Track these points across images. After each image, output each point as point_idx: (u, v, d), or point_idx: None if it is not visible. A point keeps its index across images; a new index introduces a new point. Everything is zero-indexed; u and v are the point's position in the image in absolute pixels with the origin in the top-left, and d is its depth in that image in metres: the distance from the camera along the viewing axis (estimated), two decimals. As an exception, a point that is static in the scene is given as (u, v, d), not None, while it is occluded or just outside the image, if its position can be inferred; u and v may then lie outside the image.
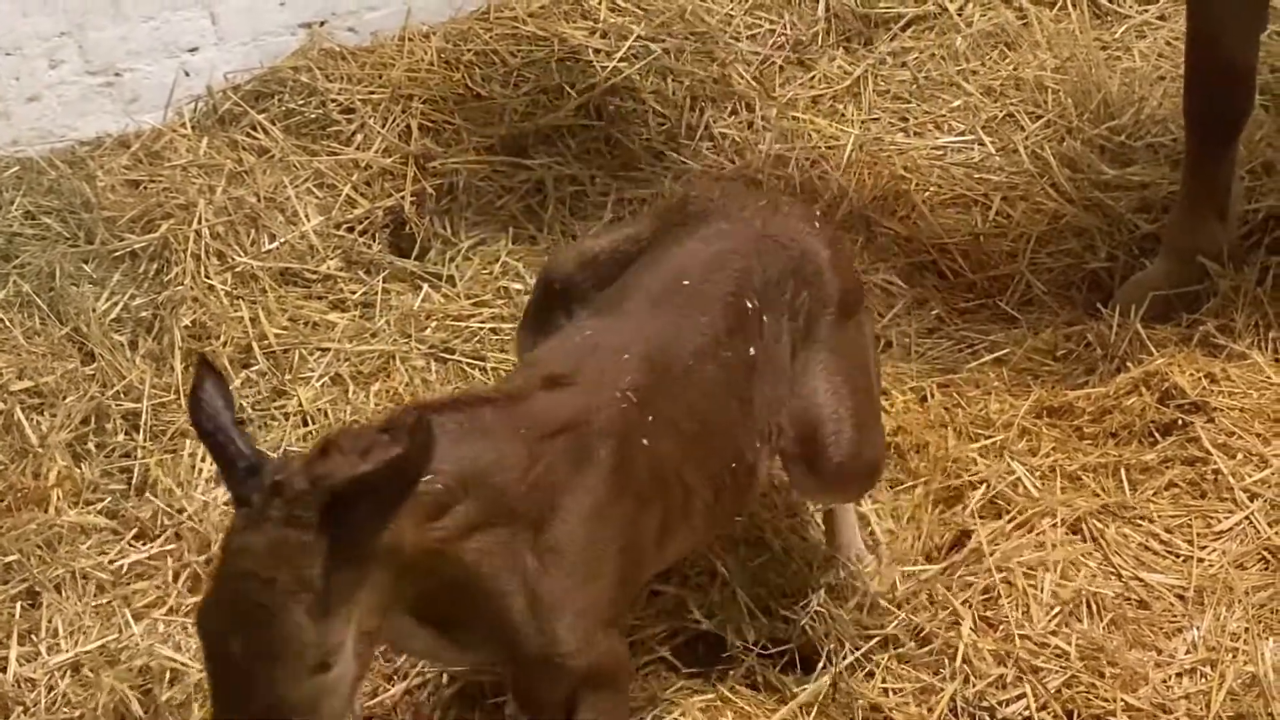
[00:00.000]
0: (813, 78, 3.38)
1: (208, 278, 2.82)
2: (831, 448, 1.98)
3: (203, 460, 2.46)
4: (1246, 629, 2.06)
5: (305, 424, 2.53)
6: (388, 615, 1.54)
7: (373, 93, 3.14)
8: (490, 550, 1.61)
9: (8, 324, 2.70)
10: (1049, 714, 1.96)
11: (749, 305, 1.93)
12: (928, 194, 3.04)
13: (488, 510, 1.59)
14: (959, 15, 3.42)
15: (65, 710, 2.01)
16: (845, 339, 2.06)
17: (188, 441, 2.47)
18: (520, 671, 1.77)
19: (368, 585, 1.47)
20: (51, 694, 1.99)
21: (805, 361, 2.00)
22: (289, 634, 1.41)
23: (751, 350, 1.94)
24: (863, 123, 3.24)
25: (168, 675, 2.00)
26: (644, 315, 1.93)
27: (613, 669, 1.79)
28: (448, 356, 2.66)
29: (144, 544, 2.33)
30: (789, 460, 2.04)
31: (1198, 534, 2.26)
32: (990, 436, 2.43)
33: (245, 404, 2.57)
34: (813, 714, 2.01)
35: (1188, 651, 2.06)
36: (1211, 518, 2.29)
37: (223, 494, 2.40)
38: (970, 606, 2.08)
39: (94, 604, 2.20)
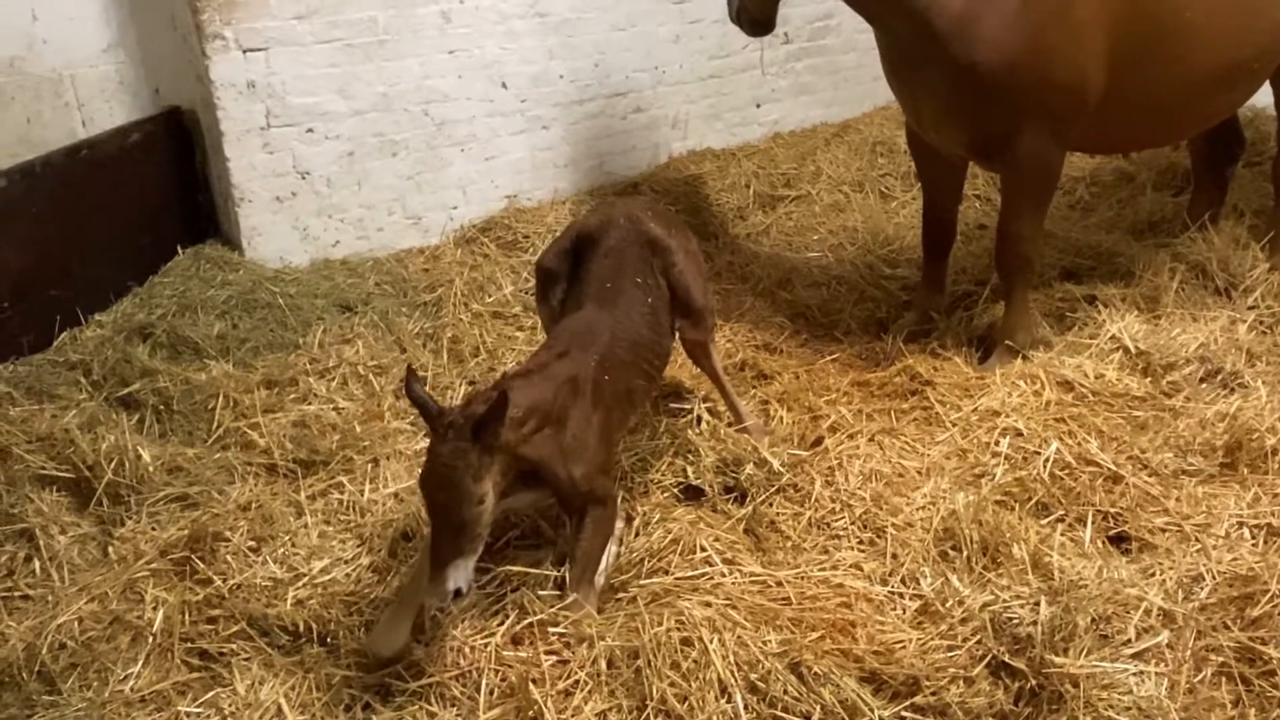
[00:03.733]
0: (748, 223, 5.01)
1: (460, 315, 4.22)
2: (695, 299, 3.17)
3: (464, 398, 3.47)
4: (948, 488, 3.14)
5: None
6: (505, 478, 2.48)
7: (537, 230, 4.71)
8: (543, 442, 2.59)
9: (367, 335, 3.99)
10: (857, 527, 3.03)
11: (639, 280, 3.02)
12: (805, 281, 4.51)
13: (540, 423, 2.57)
14: (816, 197, 5.16)
15: (392, 514, 3.12)
16: (689, 248, 3.23)
17: (448, 392, 3.66)
18: (560, 495, 2.69)
19: (495, 463, 2.42)
20: (385, 507, 3.17)
21: (678, 281, 3.14)
22: (464, 489, 2.35)
23: (650, 299, 3.02)
24: (773, 244, 4.83)
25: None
26: (595, 311, 2.93)
27: (605, 493, 2.73)
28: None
29: (426, 439, 3.23)
30: (679, 320, 3.15)
31: (925, 443, 3.39)
32: (830, 395, 3.68)
33: (475, 375, 3.79)
34: (743, 525, 3.04)
35: (922, 499, 3.11)
36: (931, 435, 3.44)
37: None
38: (820, 474, 3.18)
39: (405, 466, 3.30)
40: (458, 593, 2.39)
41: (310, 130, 4.59)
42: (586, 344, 2.86)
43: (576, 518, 2.72)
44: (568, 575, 2.72)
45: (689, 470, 3.24)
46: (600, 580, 2.79)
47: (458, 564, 2.38)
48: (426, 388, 3.61)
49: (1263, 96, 4.49)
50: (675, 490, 3.24)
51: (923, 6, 3.38)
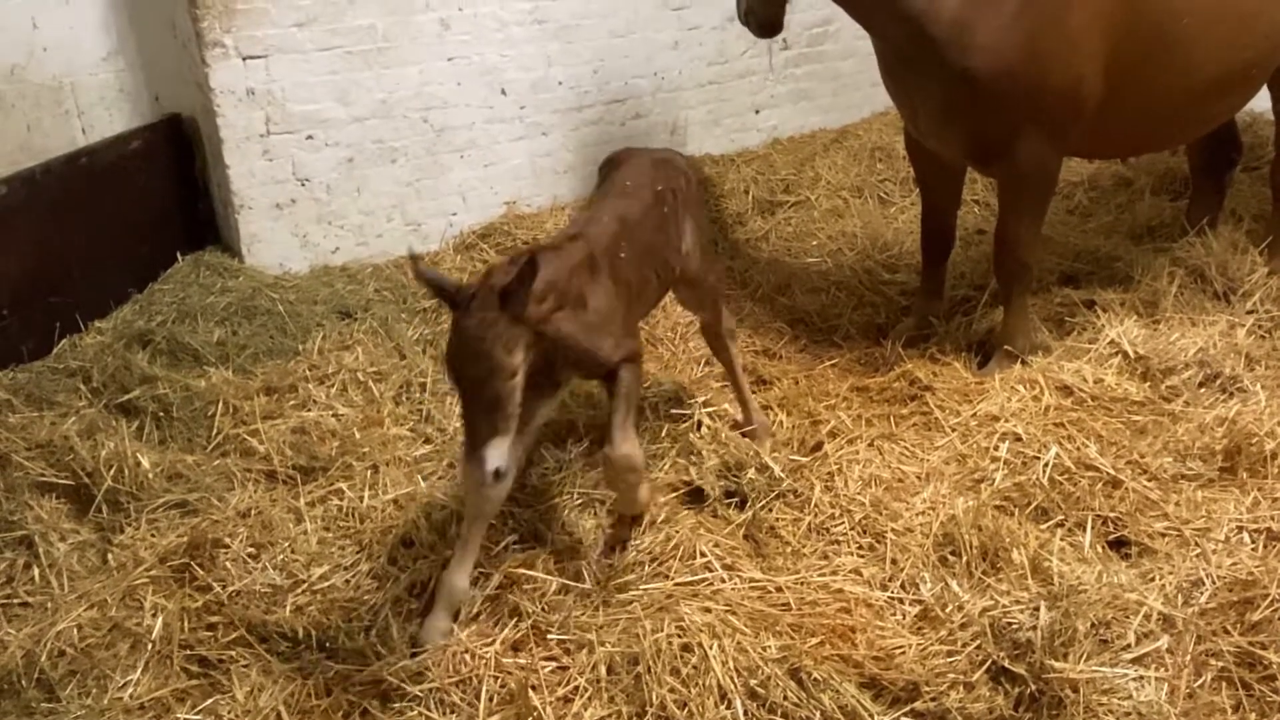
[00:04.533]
0: (747, 228, 5.01)
1: None
2: (692, 264, 3.13)
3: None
4: (947, 493, 3.14)
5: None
6: (527, 362, 2.38)
7: (536, 236, 4.66)
8: (565, 320, 2.53)
9: (366, 341, 3.98)
10: (856, 532, 3.03)
11: (659, 189, 3.04)
12: (804, 287, 4.52)
13: (558, 301, 2.51)
14: (815, 202, 5.13)
15: (391, 520, 3.09)
16: (700, 216, 3.26)
17: (448, 400, 3.60)
18: (590, 370, 2.70)
19: (523, 337, 2.33)
20: (384, 513, 3.15)
21: (685, 222, 3.13)
22: (496, 361, 2.26)
23: (665, 209, 3.03)
24: (772, 249, 4.81)
25: (442, 509, 3.06)
26: (613, 201, 2.93)
27: (632, 352, 2.74)
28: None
29: (426, 445, 3.45)
30: (684, 273, 3.11)
31: (925, 448, 3.39)
32: (829, 401, 3.70)
33: None
34: (742, 530, 3.03)
35: (922, 504, 3.10)
36: (931, 440, 3.44)
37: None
38: (819, 480, 3.19)
39: (404, 472, 3.29)
40: (498, 473, 2.32)
41: (310, 137, 4.59)
42: (601, 224, 2.84)
43: (607, 377, 2.74)
44: (612, 415, 2.70)
45: (692, 470, 3.24)
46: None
47: (494, 443, 2.29)
48: (425, 393, 3.67)
49: (1261, 101, 4.50)
50: (680, 492, 3.24)
51: (917, 13, 3.39)
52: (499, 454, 2.31)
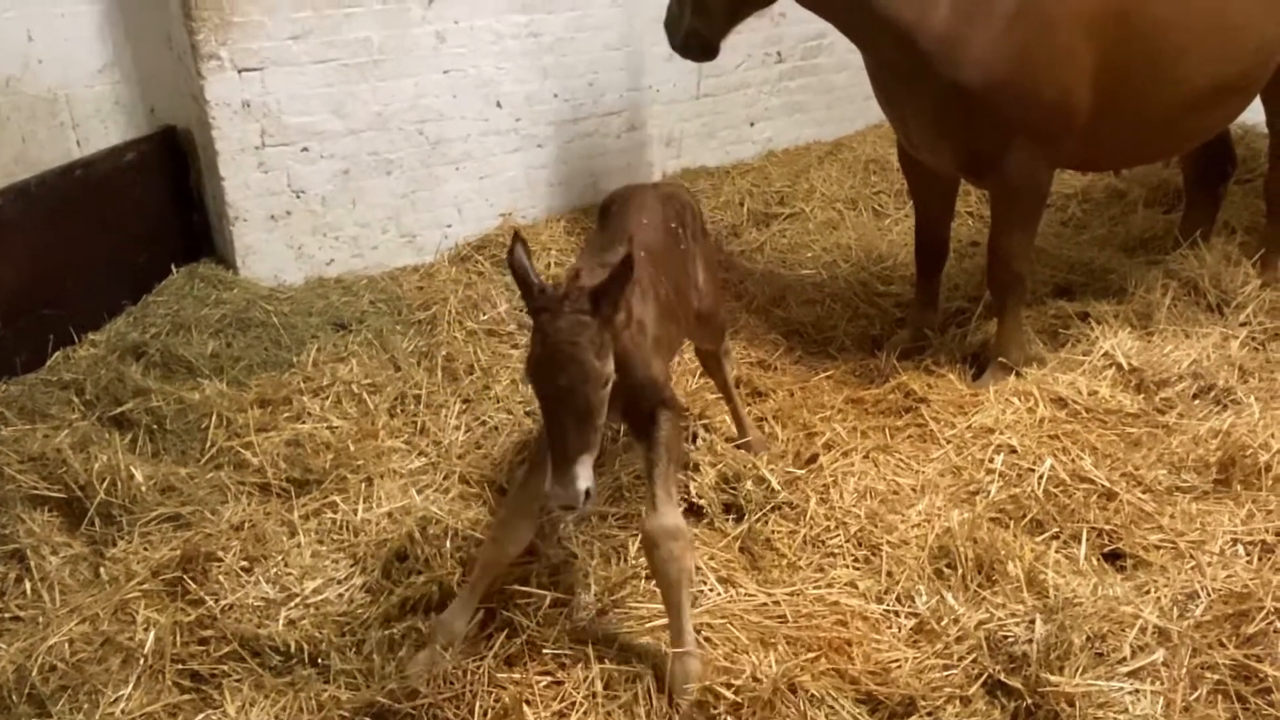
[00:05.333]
0: (742, 240, 5.03)
1: (454, 333, 4.19)
2: (706, 301, 3.04)
3: (458, 416, 3.61)
4: (943, 505, 3.14)
5: (498, 401, 3.75)
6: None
7: (532, 247, 4.66)
8: (631, 339, 2.38)
9: (361, 353, 3.98)
10: (852, 544, 3.03)
11: (674, 225, 2.92)
12: (799, 298, 4.54)
13: (627, 314, 2.36)
14: (810, 214, 5.16)
15: (386, 534, 3.08)
16: (708, 249, 3.13)
17: (443, 413, 3.63)
18: (632, 396, 2.39)
19: (612, 344, 2.17)
20: (378, 527, 3.13)
21: (695, 257, 3.01)
22: (590, 367, 2.08)
23: (681, 246, 2.91)
24: (767, 261, 4.85)
25: (438, 523, 3.02)
26: (637, 235, 2.63)
27: (673, 399, 2.52)
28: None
29: (420, 458, 3.44)
30: (699, 310, 2.95)
31: (920, 460, 3.40)
32: (824, 413, 3.69)
33: (470, 393, 3.78)
34: (738, 543, 3.04)
35: (917, 516, 3.11)
36: (926, 452, 3.44)
37: (464, 434, 3.53)
38: (815, 492, 3.19)
39: (399, 485, 3.29)
40: (588, 494, 2.10)
41: (305, 149, 4.59)
42: (640, 255, 2.60)
43: (646, 422, 2.46)
44: (652, 473, 2.43)
45: (690, 486, 3.23)
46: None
47: (585, 460, 2.09)
48: (420, 405, 3.65)
49: (1255, 114, 4.52)
50: (680, 509, 3.20)
51: (906, 28, 3.41)
52: (589, 472, 2.11)
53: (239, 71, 4.34)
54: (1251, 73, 3.86)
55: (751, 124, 6.16)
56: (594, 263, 2.28)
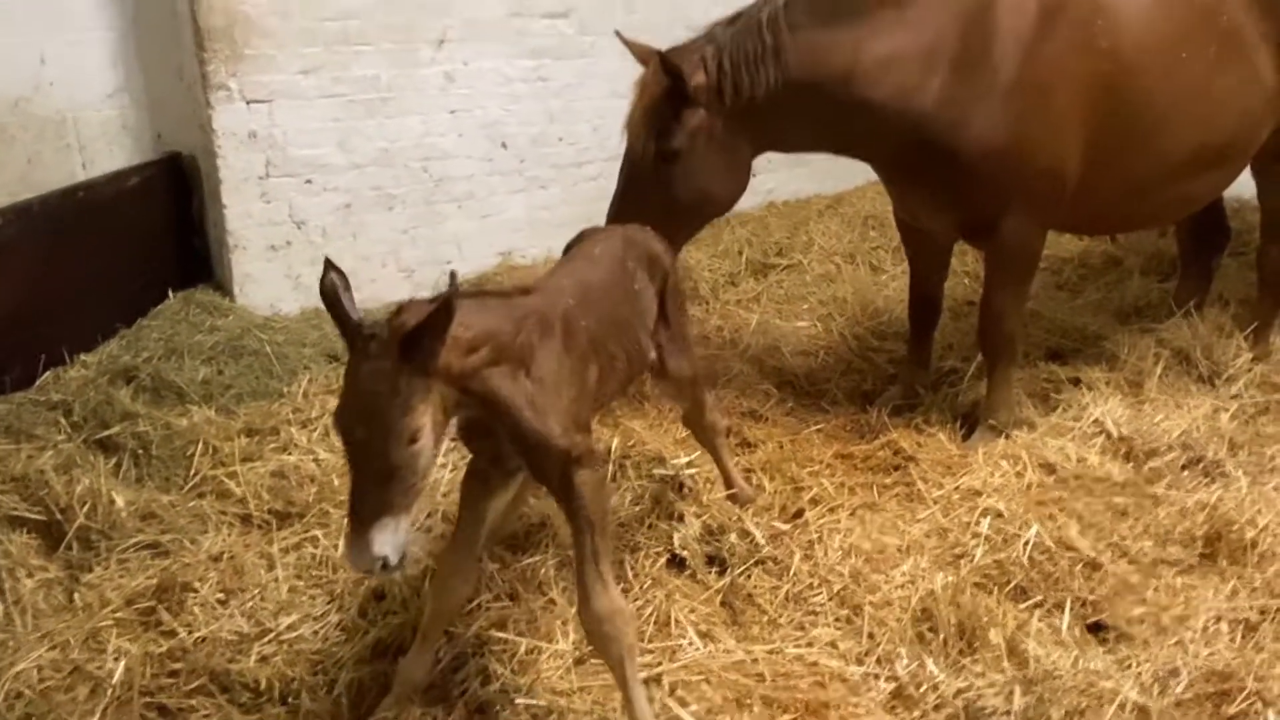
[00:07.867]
0: (739, 289, 5.06)
1: None
2: (672, 359, 2.93)
3: (445, 454, 3.16)
4: (927, 567, 3.09)
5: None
6: (448, 418, 1.99)
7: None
8: (501, 379, 2.10)
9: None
10: (834, 603, 2.98)
11: (628, 264, 2.77)
12: (793, 349, 4.54)
13: (495, 355, 2.09)
14: (807, 266, 5.18)
15: None
16: (678, 305, 3.00)
17: (442, 445, 3.40)
18: (529, 454, 2.20)
19: (434, 393, 1.91)
20: None
21: (664, 306, 2.87)
22: (389, 421, 1.82)
23: (636, 285, 2.75)
24: (763, 311, 4.84)
25: (417, 563, 2.89)
26: (576, 267, 2.63)
27: (588, 452, 2.23)
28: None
29: None
30: (662, 363, 2.86)
31: (906, 519, 3.35)
32: (813, 467, 3.66)
33: None
34: (720, 597, 2.99)
35: (901, 577, 3.05)
36: (912, 512, 3.40)
37: (450, 473, 3.43)
38: (799, 548, 3.15)
39: None
40: (385, 564, 1.89)
41: (309, 181, 4.63)
42: (559, 287, 2.47)
43: (560, 487, 2.25)
44: (577, 555, 2.26)
45: (674, 538, 3.20)
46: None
47: (384, 523, 1.86)
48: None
49: (1248, 188, 4.57)
50: (663, 559, 3.18)
51: (912, 124, 3.47)
52: (388, 539, 1.87)
53: (247, 102, 4.39)
54: (1237, 142, 3.93)
55: (754, 175, 6.21)
56: (426, 301, 2.03)
